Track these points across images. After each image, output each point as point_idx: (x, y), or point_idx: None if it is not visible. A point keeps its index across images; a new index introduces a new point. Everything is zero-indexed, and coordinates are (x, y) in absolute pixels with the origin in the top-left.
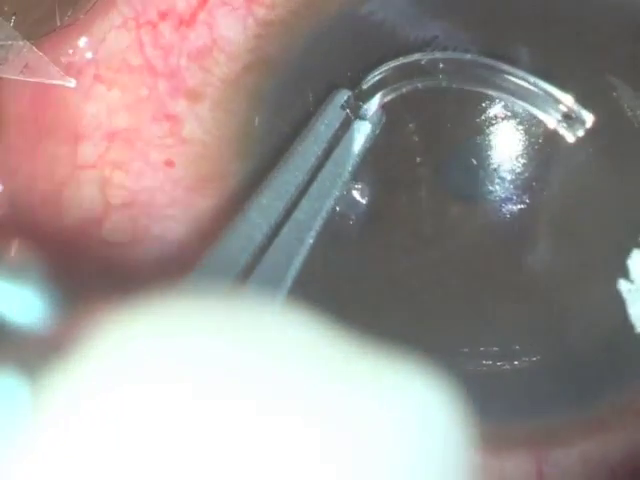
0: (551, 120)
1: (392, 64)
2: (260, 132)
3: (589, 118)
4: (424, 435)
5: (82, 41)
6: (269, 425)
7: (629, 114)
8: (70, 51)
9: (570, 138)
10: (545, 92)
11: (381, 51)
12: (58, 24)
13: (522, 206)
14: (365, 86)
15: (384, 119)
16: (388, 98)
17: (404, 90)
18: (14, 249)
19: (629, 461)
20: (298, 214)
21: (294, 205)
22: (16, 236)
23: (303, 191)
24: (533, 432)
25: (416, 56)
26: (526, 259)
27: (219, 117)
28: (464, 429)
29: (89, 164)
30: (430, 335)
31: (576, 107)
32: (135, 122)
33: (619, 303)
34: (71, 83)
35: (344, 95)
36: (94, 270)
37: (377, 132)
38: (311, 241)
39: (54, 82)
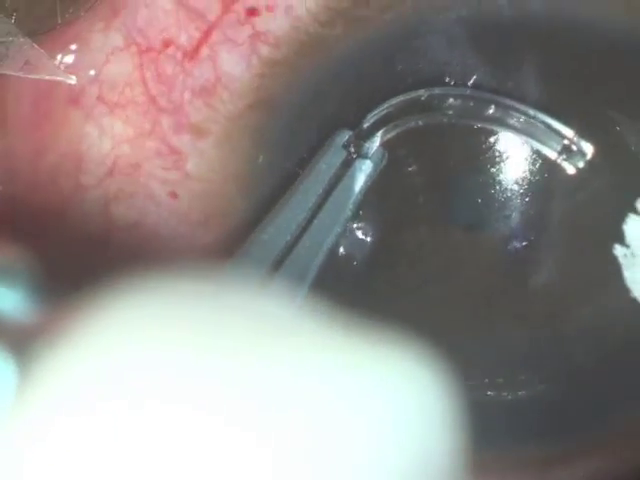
0: (552, 153)
1: (393, 101)
2: (263, 170)
3: (589, 149)
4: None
5: (86, 60)
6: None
7: (632, 149)
8: (73, 47)
9: (571, 170)
10: (545, 125)
11: (384, 89)
12: (59, 21)
13: (525, 238)
14: (367, 124)
15: (386, 157)
16: (390, 135)
17: (405, 127)
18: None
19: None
20: (299, 250)
21: (295, 242)
22: (11, 237)
23: (304, 228)
24: (539, 457)
25: (416, 93)
26: (530, 290)
27: (223, 154)
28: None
29: (92, 185)
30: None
31: (576, 139)
32: (138, 156)
33: (620, 330)
34: (72, 80)
35: (345, 135)
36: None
37: (379, 170)
38: (311, 278)
39: (55, 78)
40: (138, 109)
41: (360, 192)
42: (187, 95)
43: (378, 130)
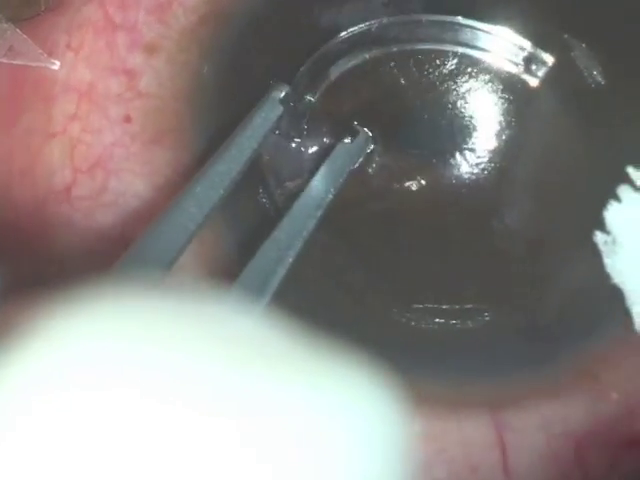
0: (512, 66)
1: (341, 36)
2: (213, 85)
3: (549, 59)
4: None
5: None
6: (220, 427)
7: (585, 74)
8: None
9: (533, 82)
10: (503, 38)
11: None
12: (42, 8)
13: (486, 159)
14: (312, 64)
15: (372, 145)
16: (341, 71)
17: (357, 61)
18: None
19: (593, 433)
20: (279, 233)
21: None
22: None
23: (283, 215)
24: (490, 394)
25: (365, 25)
26: (485, 216)
27: (174, 70)
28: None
29: (59, 130)
30: (384, 291)
31: (535, 50)
32: (94, 77)
33: (579, 262)
34: (55, 65)
35: (282, 90)
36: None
37: (364, 154)
38: (291, 260)
39: (38, 64)
40: (97, 31)
41: (343, 178)
42: (142, 13)
43: (328, 67)
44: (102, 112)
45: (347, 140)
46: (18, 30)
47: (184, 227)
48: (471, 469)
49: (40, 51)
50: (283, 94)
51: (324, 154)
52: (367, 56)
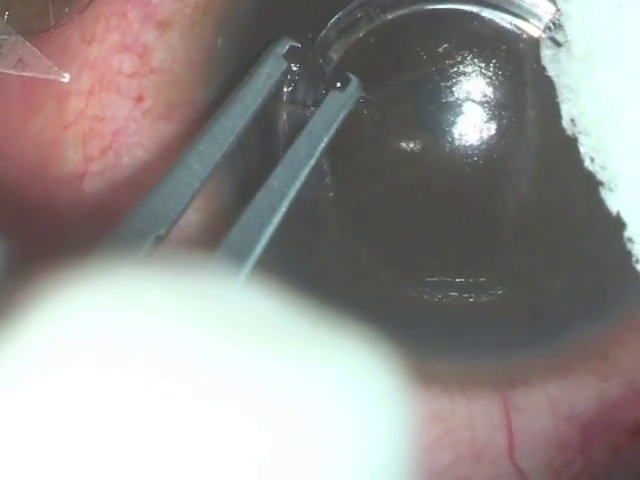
0: (535, 30)
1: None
2: (224, 56)
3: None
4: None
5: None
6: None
7: None
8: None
9: (552, 48)
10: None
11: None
12: (52, 23)
13: (502, 128)
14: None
15: (362, 92)
16: (358, 37)
17: (374, 26)
18: None
19: (599, 416)
20: (272, 182)
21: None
22: None
23: (276, 163)
24: (500, 372)
25: None
26: (501, 188)
27: (187, 43)
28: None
29: (71, 120)
30: (396, 263)
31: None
32: (105, 52)
33: (591, 239)
34: (65, 78)
35: (286, 44)
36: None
37: (355, 101)
38: (284, 210)
39: (48, 77)
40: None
41: (335, 125)
42: None
43: (343, 35)
44: (115, 89)
45: (338, 87)
46: (27, 42)
47: (188, 184)
48: (476, 452)
49: (50, 64)
50: (287, 48)
51: None
52: (388, 17)
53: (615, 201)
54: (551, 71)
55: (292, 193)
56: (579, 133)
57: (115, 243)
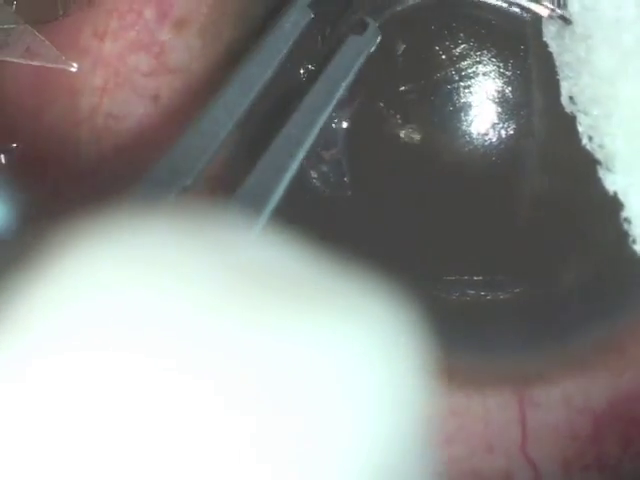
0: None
1: None
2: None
3: None
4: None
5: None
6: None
7: None
8: None
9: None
10: None
11: None
12: (60, 13)
13: (521, 121)
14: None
15: (380, 36)
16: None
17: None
18: None
19: (612, 410)
20: (290, 128)
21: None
22: None
23: (295, 106)
24: (517, 368)
25: None
26: (517, 187)
27: (204, 43)
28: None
29: (85, 116)
30: (413, 261)
31: None
32: (121, 50)
33: (609, 238)
34: (73, 67)
35: None
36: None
37: (372, 48)
38: (302, 156)
39: (56, 66)
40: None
41: (353, 71)
42: None
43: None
44: (130, 85)
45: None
46: (35, 32)
47: (214, 134)
48: (488, 447)
49: (58, 53)
50: None
51: None
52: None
53: (613, 181)
54: (553, 47)
55: (309, 140)
56: (578, 111)
57: (141, 194)
